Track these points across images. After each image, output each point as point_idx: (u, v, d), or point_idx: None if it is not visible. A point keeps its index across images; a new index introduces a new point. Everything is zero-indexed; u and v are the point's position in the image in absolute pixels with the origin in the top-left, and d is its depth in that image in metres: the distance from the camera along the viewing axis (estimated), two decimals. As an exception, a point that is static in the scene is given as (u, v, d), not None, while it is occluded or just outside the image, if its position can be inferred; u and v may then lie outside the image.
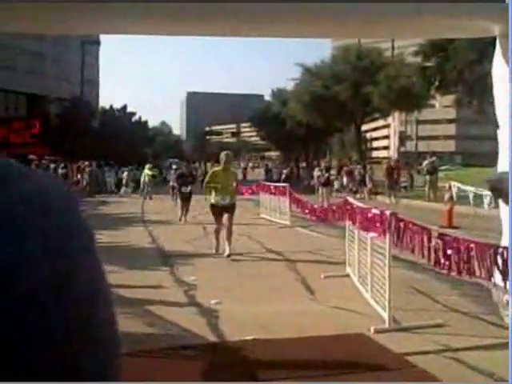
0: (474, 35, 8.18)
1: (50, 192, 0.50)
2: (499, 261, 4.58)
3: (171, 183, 19.00)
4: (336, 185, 30.17)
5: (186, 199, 16.71)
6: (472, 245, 4.72)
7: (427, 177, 24.81)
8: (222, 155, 10.74)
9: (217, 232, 10.67)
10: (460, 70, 26.78)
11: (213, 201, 10.55)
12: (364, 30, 7.43)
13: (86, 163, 32.94)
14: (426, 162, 26.22)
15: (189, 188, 16.57)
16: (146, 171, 28.82)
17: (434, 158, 26.66)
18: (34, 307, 0.42)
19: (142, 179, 28.79)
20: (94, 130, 47.57)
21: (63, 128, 42.21)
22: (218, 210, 10.54)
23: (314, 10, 5.79)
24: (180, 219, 16.72)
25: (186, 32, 7.42)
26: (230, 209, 10.47)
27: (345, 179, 32.03)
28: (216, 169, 11.08)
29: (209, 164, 47.03)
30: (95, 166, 34.89)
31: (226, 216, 10.36)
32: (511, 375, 3.58)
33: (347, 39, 33.32)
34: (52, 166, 28.66)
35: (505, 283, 4.83)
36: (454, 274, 5.01)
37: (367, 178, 28.74)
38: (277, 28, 6.71)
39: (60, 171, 27.84)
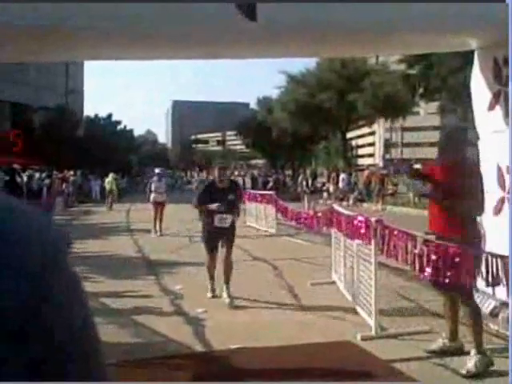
0: (452, 49, 8.26)
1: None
2: (483, 267, 4.61)
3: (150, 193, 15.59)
4: (325, 193, 30.22)
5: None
6: (456, 251, 4.73)
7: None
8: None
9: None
10: (443, 77, 27.02)
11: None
12: (347, 48, 7.48)
13: (71, 172, 32.79)
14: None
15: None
16: (110, 180, 28.66)
17: (418, 166, 26.75)
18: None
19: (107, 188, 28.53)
20: (79, 139, 47.39)
21: (48, 137, 42.02)
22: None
23: (296, 29, 5.80)
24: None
25: (167, 57, 7.47)
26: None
27: (331, 187, 32.13)
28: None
29: (194, 172, 46.97)
30: (80, 175, 34.75)
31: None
32: (511, 375, 3.59)
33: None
34: (36, 175, 28.42)
35: (492, 289, 4.88)
36: (439, 280, 5.03)
37: (353, 186, 28.84)
38: (259, 49, 6.75)
39: (45, 181, 27.61)
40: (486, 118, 6.06)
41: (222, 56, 7.48)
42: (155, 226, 15.57)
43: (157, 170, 16.20)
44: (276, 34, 5.86)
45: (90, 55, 7.55)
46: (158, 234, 15.46)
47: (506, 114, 5.91)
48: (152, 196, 15.51)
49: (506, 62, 5.88)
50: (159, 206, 15.60)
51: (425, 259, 5.02)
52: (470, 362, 4.75)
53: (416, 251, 5.16)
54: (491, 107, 6.15)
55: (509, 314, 4.51)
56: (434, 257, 4.89)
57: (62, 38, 5.57)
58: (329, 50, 8.51)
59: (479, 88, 6.43)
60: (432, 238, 5.06)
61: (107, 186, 28.28)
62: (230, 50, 6.72)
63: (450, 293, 5.08)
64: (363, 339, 5.76)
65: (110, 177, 28.86)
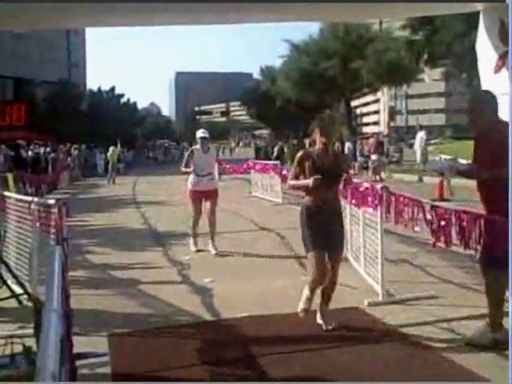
0: (457, 11, 8.13)
1: None
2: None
3: None
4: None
5: None
6: (464, 215, 4.71)
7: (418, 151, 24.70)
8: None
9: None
10: (448, 42, 26.64)
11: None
12: (350, 12, 7.37)
13: (76, 146, 32.79)
14: (418, 136, 26.02)
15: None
16: (110, 153, 28.25)
17: (422, 132, 26.53)
18: None
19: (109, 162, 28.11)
20: (83, 112, 47.28)
21: (51, 111, 41.95)
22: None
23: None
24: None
25: (172, 22, 7.34)
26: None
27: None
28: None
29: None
30: (84, 149, 34.75)
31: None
32: (511, 375, 3.61)
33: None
34: (41, 150, 28.44)
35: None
36: (444, 245, 5.02)
37: (358, 154, 28.74)
38: (263, 13, 6.66)
39: (50, 156, 27.64)
40: (492, 81, 5.98)
41: (223, 21, 7.39)
42: (196, 234, 9.25)
43: (200, 134, 9.19)
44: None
45: (90, 22, 7.44)
46: (213, 250, 8.83)
47: None
48: (192, 180, 9.10)
49: None
50: (204, 198, 9.11)
51: (433, 225, 4.99)
52: (476, 333, 4.72)
53: (424, 216, 5.13)
54: (498, 69, 6.07)
55: (509, 313, 4.49)
56: (442, 222, 4.86)
57: (62, 4, 5.52)
58: (331, 15, 8.41)
59: (485, 51, 6.33)
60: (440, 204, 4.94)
61: (110, 160, 28.07)
62: (232, 15, 6.63)
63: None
64: (370, 305, 5.79)
65: (111, 150, 28.47)
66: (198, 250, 9.03)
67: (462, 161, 5.04)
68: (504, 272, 4.44)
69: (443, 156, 6.24)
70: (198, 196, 9.10)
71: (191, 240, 9.24)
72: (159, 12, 6.15)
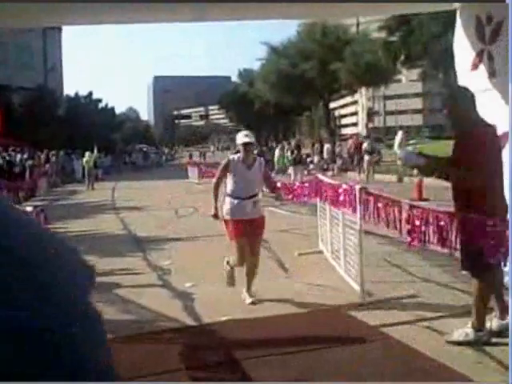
0: (435, 8, 8.22)
1: None
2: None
3: None
4: (311, 164, 30.04)
5: None
6: (441, 215, 4.76)
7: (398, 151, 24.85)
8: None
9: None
10: (424, 43, 26.93)
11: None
12: (329, 10, 7.42)
13: (53, 152, 32.48)
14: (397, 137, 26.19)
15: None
16: (86, 159, 28.04)
17: (401, 132, 26.67)
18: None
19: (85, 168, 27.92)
20: (60, 118, 46.87)
21: (28, 117, 41.52)
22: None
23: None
24: None
25: (150, 20, 7.35)
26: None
27: (315, 157, 32.13)
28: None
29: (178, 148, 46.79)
30: (62, 155, 34.44)
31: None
32: (511, 375, 3.64)
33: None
34: (18, 156, 28.12)
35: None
36: (423, 244, 5.07)
37: (337, 155, 28.88)
38: (243, 10, 6.68)
39: (27, 162, 27.34)
40: (469, 78, 6.05)
41: (204, 18, 7.39)
42: (233, 276, 6.62)
43: (243, 139, 6.37)
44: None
45: (67, 19, 7.39)
46: (248, 299, 6.31)
47: (490, 73, 5.91)
48: (229, 204, 6.33)
49: (488, 20, 5.85)
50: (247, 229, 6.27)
51: (410, 225, 5.03)
52: (457, 332, 4.76)
53: (401, 217, 5.16)
54: (474, 67, 6.14)
55: (509, 313, 4.54)
56: (418, 222, 4.90)
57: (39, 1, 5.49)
58: (309, 13, 8.46)
59: (462, 48, 6.40)
60: (418, 203, 5.00)
61: (86, 166, 27.85)
62: (212, 12, 6.64)
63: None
64: (351, 306, 5.82)
65: (87, 156, 28.26)
66: (252, 303, 6.20)
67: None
68: (492, 272, 4.51)
69: (410, 148, 6.27)
70: (241, 228, 6.17)
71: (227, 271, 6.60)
72: (135, 9, 6.15)
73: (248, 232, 6.21)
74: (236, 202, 6.24)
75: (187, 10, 6.37)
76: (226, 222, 6.34)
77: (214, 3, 6.04)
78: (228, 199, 6.34)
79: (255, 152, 6.46)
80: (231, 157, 6.57)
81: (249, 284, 6.38)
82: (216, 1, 5.98)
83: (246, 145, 6.30)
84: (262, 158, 6.82)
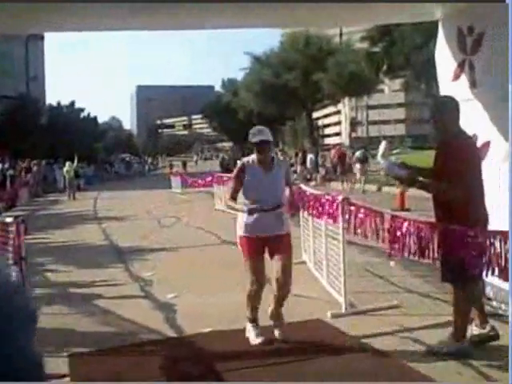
0: (416, 19, 8.30)
1: None
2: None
3: None
4: (294, 174, 30.14)
5: None
6: (422, 225, 4.77)
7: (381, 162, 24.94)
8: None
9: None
10: (407, 53, 27.15)
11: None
12: (312, 19, 7.47)
13: (35, 162, 32.21)
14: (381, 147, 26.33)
15: None
16: (67, 169, 27.72)
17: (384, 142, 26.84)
18: None
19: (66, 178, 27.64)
20: (42, 127, 46.55)
21: (10, 127, 41.17)
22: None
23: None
24: None
25: (135, 27, 7.34)
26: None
27: (298, 167, 32.19)
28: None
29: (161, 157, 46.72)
30: (44, 165, 34.17)
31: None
32: (511, 375, 3.65)
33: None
34: (-1, 166, 27.84)
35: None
36: (405, 255, 5.08)
37: (320, 165, 28.97)
38: (225, 19, 6.70)
39: (8, 172, 27.07)
40: (451, 88, 6.10)
41: (188, 27, 7.42)
42: (255, 317, 5.29)
43: (258, 136, 5.09)
44: (244, 5, 5.84)
45: (51, 26, 7.36)
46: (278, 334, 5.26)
47: (471, 83, 5.97)
48: (245, 218, 5.13)
49: (470, 30, 5.92)
50: (269, 248, 5.19)
51: (392, 235, 5.04)
52: (438, 342, 4.75)
53: (385, 227, 5.16)
54: (456, 77, 6.20)
55: (509, 313, 4.55)
56: (399, 233, 4.91)
57: (23, 7, 5.44)
58: (293, 21, 8.49)
59: (444, 58, 6.46)
60: (400, 214, 5.02)
61: (66, 176, 27.59)
62: (197, 20, 6.65)
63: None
64: (333, 317, 5.80)
65: (67, 165, 27.97)
66: (263, 343, 5.09)
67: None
68: (473, 283, 4.54)
69: (393, 158, 6.32)
70: (258, 247, 5.12)
71: (249, 326, 5.27)
72: (121, 16, 6.14)
73: (270, 252, 5.16)
74: (253, 215, 5.05)
75: (165, 18, 6.37)
76: (240, 239, 5.22)
77: (197, 11, 6.04)
78: (246, 218, 5.11)
79: (271, 153, 5.28)
80: (245, 159, 5.33)
81: (278, 309, 5.27)
82: (199, 8, 5.98)
83: (260, 143, 5.07)
84: (285, 159, 5.48)
